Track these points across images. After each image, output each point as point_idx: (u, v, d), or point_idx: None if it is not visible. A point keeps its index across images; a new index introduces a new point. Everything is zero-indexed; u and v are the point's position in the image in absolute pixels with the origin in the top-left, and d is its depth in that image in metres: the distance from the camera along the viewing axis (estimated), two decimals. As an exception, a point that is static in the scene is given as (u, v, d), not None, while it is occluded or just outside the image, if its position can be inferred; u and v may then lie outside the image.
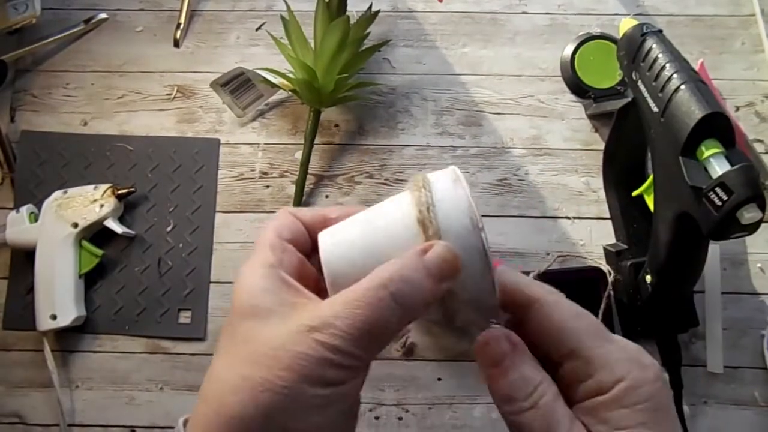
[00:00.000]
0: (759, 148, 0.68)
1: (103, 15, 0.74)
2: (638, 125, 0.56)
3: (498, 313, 0.28)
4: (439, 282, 0.26)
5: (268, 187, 0.69)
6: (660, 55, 0.50)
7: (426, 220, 0.27)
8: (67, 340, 0.65)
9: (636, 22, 0.55)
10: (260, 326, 0.25)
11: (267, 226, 0.30)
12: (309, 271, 0.30)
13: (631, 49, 0.53)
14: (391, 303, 0.25)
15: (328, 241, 0.28)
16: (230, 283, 0.66)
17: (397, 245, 0.27)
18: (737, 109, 0.70)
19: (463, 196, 0.27)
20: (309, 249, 0.30)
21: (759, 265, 0.65)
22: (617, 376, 0.25)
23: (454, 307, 0.28)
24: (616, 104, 0.63)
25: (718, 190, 0.44)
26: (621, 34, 0.56)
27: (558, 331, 0.27)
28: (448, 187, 0.28)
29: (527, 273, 0.63)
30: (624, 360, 0.26)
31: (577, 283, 0.62)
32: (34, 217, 0.65)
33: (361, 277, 0.26)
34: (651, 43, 0.52)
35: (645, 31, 0.52)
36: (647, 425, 0.25)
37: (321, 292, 0.28)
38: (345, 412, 0.26)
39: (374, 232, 0.28)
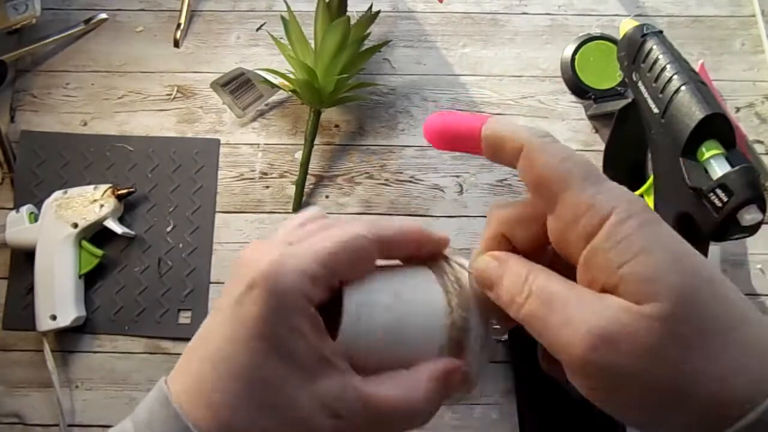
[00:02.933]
0: (759, 149, 0.68)
1: (103, 15, 0.74)
2: (638, 126, 0.56)
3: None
4: (447, 398, 0.29)
5: (268, 187, 0.69)
6: (660, 56, 0.50)
7: (455, 336, 0.29)
8: (67, 340, 0.65)
9: (636, 23, 0.55)
10: (288, 378, 0.25)
11: (328, 245, 0.27)
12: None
13: (632, 50, 0.53)
14: (406, 418, 0.28)
15: (353, 310, 0.28)
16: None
17: (421, 340, 0.29)
18: (737, 110, 0.70)
19: (486, 323, 0.30)
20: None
21: (759, 266, 0.65)
22: (602, 215, 0.24)
23: None
24: (617, 105, 0.63)
25: (718, 191, 0.44)
26: (621, 35, 0.56)
27: (543, 178, 0.26)
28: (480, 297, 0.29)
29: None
30: (609, 198, 0.24)
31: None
32: (34, 217, 0.65)
33: (371, 351, 0.28)
34: (651, 44, 0.52)
35: (645, 31, 0.52)
36: (646, 250, 0.23)
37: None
38: None
39: (402, 316, 0.28)
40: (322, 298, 0.27)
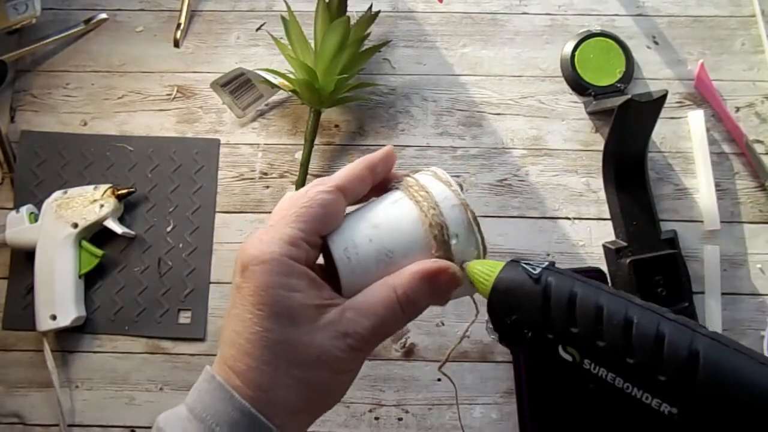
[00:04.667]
0: (759, 148, 0.68)
1: (103, 15, 0.74)
2: (638, 122, 0.56)
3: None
4: (442, 298, 0.32)
5: (268, 187, 0.69)
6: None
7: (438, 235, 0.31)
8: (67, 340, 0.65)
9: (485, 265, 0.32)
10: (295, 331, 0.30)
11: (296, 211, 0.32)
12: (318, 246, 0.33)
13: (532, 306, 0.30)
14: (401, 315, 0.31)
15: (342, 254, 0.32)
16: (230, 283, 0.66)
17: (409, 252, 0.32)
18: (737, 109, 0.70)
19: (462, 209, 0.32)
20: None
21: (759, 265, 0.65)
22: None
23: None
24: (616, 101, 0.63)
25: None
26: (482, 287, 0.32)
27: None
28: (448, 196, 0.32)
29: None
30: None
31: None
32: (34, 217, 0.65)
33: (373, 280, 0.31)
34: (556, 283, 0.30)
35: (534, 271, 0.30)
36: None
37: (328, 271, 0.34)
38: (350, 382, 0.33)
39: (385, 240, 0.32)
40: (309, 255, 0.32)
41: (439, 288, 0.31)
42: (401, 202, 0.33)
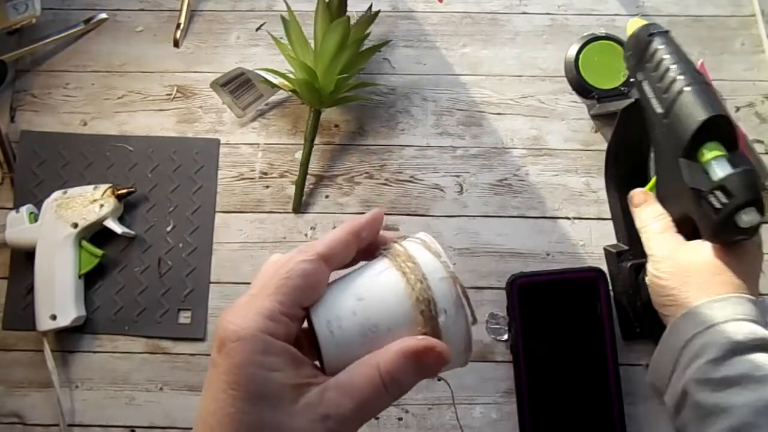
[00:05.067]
0: (759, 148, 0.68)
1: (103, 15, 0.74)
2: (641, 126, 0.56)
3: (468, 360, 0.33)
4: (428, 375, 0.31)
5: (268, 187, 0.69)
6: (666, 56, 0.50)
7: (425, 311, 0.30)
8: (67, 340, 0.65)
9: (644, 22, 0.54)
10: (272, 413, 0.28)
11: (276, 282, 0.30)
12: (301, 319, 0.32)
13: (638, 49, 0.53)
14: (386, 395, 0.29)
15: (324, 328, 0.30)
16: (230, 283, 0.66)
17: (395, 327, 0.30)
18: (737, 109, 0.70)
19: (451, 282, 0.30)
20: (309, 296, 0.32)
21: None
22: None
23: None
24: (620, 105, 0.63)
25: (717, 193, 0.44)
26: (629, 34, 0.55)
27: None
28: (436, 268, 0.31)
29: (526, 275, 0.63)
30: None
31: (577, 284, 0.62)
32: (34, 217, 0.65)
33: (357, 355, 0.30)
34: (658, 43, 0.51)
35: (652, 31, 0.52)
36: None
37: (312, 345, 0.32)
38: None
39: (370, 314, 0.30)
40: (290, 329, 0.30)
41: (425, 366, 0.30)
42: (388, 272, 0.31)
